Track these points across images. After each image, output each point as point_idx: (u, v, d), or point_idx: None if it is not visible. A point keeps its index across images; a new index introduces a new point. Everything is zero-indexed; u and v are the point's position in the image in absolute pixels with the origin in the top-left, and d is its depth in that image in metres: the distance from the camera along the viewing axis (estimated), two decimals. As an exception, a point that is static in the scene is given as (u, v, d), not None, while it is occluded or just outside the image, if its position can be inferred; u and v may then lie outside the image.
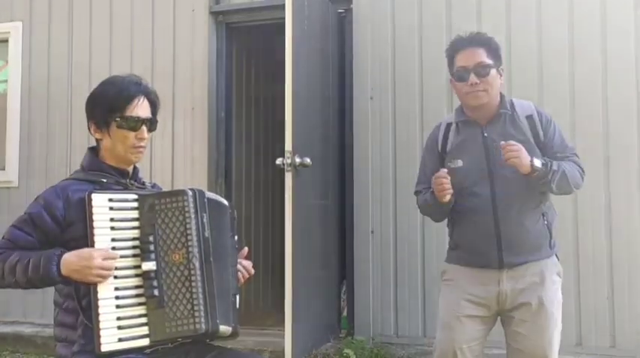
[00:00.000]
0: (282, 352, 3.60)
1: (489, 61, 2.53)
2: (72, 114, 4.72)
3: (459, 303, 2.53)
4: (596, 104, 3.75)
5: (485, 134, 2.54)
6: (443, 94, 3.92)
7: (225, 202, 2.19)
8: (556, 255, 2.60)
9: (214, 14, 4.58)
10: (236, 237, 2.21)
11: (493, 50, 2.56)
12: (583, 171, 2.60)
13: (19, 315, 4.77)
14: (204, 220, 2.00)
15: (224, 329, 1.99)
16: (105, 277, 1.88)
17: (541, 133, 2.56)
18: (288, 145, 3.57)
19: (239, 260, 2.24)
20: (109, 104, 2.06)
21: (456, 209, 2.57)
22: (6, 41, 5.01)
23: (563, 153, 2.57)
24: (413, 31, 4.10)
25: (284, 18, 3.64)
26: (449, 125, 2.66)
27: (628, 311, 3.64)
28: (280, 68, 3.69)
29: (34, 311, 4.70)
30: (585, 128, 3.75)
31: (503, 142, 2.40)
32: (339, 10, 4.38)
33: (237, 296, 2.14)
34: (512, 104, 2.60)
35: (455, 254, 2.64)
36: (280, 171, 3.72)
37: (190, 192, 2.00)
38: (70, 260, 1.88)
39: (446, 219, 2.68)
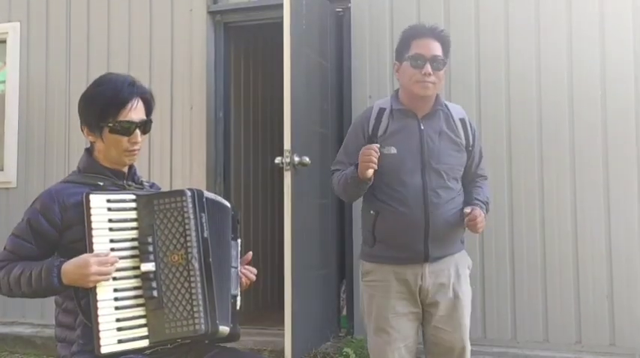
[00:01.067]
0: (282, 351, 3.60)
1: (444, 58, 2.56)
2: (70, 114, 4.72)
3: (390, 304, 2.54)
4: (594, 99, 3.76)
5: (422, 126, 2.56)
6: (440, 92, 3.91)
7: (228, 204, 2.18)
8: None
9: (212, 14, 4.57)
10: (239, 240, 2.20)
11: (446, 49, 2.58)
12: (486, 178, 2.77)
13: (18, 316, 4.76)
14: (203, 220, 1.99)
15: (223, 329, 1.98)
16: (104, 276, 1.87)
17: (470, 139, 2.63)
18: (287, 144, 3.57)
19: (243, 265, 2.23)
20: (101, 108, 2.01)
21: (381, 198, 2.54)
22: (4, 42, 5.00)
23: (480, 169, 2.72)
24: (411, 30, 4.10)
25: (282, 17, 3.64)
26: (382, 110, 2.63)
27: (627, 309, 3.64)
28: (278, 67, 3.69)
29: (33, 311, 4.69)
30: (583, 126, 3.76)
31: (468, 210, 2.47)
32: (337, 9, 4.38)
33: (238, 298, 2.13)
34: (445, 104, 2.65)
35: (376, 251, 2.59)
36: (279, 170, 3.72)
37: (189, 193, 1.99)
38: (68, 269, 1.88)
39: (372, 211, 2.58)
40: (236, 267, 2.16)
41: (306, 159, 3.67)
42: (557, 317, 3.73)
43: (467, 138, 2.61)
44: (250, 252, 2.30)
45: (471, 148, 2.63)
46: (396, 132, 2.56)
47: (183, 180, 4.46)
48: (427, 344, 2.64)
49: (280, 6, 3.68)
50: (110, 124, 2.02)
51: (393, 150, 2.52)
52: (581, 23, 3.80)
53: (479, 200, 2.62)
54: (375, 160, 2.41)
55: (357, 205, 4.11)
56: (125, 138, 2.04)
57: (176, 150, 4.54)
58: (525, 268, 3.80)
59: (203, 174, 4.48)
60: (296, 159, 3.60)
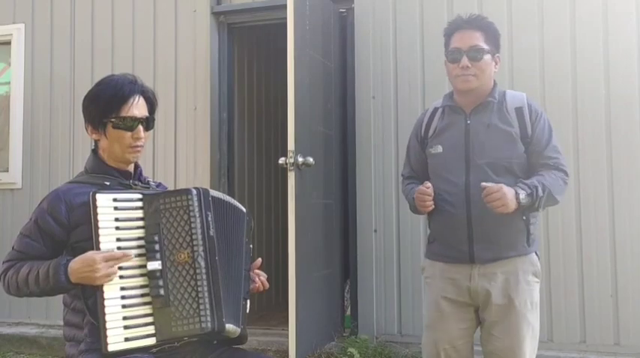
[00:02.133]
0: (286, 351, 3.60)
1: (485, 46, 2.44)
2: (74, 115, 4.74)
3: (438, 302, 2.48)
4: (598, 97, 3.77)
5: (469, 121, 2.46)
6: (444, 90, 3.91)
7: (242, 208, 2.18)
8: (536, 254, 2.48)
9: (216, 15, 4.58)
10: (251, 246, 2.21)
11: (491, 36, 2.48)
12: (566, 173, 2.46)
13: (24, 316, 4.78)
14: (209, 219, 2.00)
15: (230, 327, 1.99)
16: (110, 275, 1.88)
17: (529, 127, 2.44)
18: (291, 145, 3.57)
19: (256, 270, 2.24)
20: (104, 105, 2.05)
21: (433, 198, 2.47)
22: (9, 43, 5.01)
23: (545, 157, 2.44)
24: (415, 30, 4.11)
25: (285, 18, 3.65)
26: (435, 109, 2.59)
27: (632, 309, 3.63)
28: (282, 68, 3.70)
29: (39, 312, 4.71)
30: (587, 122, 3.76)
31: (483, 184, 2.29)
32: (341, 10, 4.38)
33: (248, 301, 2.13)
34: (503, 94, 2.51)
35: (431, 248, 2.58)
36: (283, 171, 3.72)
37: (195, 191, 2.00)
38: (75, 268, 1.89)
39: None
40: (247, 270, 2.16)
41: (310, 160, 3.67)
42: (562, 317, 3.73)
43: (523, 128, 2.43)
44: (259, 259, 2.30)
45: (528, 139, 2.43)
46: (443, 129, 2.52)
47: (188, 181, 4.47)
48: (483, 351, 2.51)
49: (284, 7, 3.69)
50: (113, 119, 2.05)
51: (440, 149, 2.49)
52: (583, 17, 3.80)
53: (523, 182, 2.36)
54: (430, 204, 2.41)
55: (360, 204, 4.14)
56: (128, 134, 2.06)
57: (180, 152, 4.55)
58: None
59: (207, 174, 4.49)
60: (300, 159, 3.60)
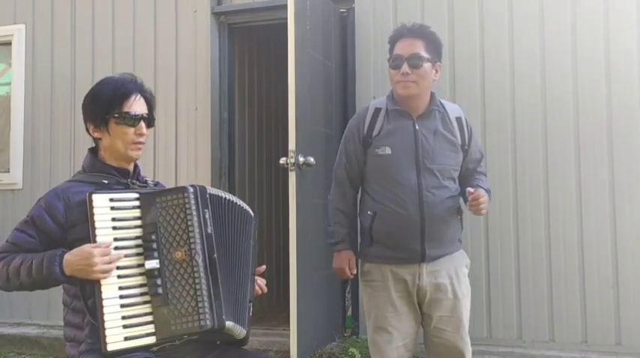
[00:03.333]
0: (288, 351, 3.60)
1: (425, 54, 2.53)
2: (75, 116, 4.74)
3: (389, 303, 2.56)
4: (599, 99, 3.76)
5: (417, 127, 2.56)
6: (445, 92, 3.91)
7: (248, 208, 2.18)
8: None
9: (216, 15, 4.58)
10: (257, 247, 2.20)
11: (432, 45, 2.57)
12: (485, 175, 2.76)
13: (25, 317, 4.78)
14: (207, 216, 2.00)
15: (231, 325, 1.98)
16: (107, 271, 1.88)
17: (467, 137, 2.64)
18: (292, 144, 3.57)
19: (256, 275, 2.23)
20: (106, 102, 2.06)
21: (377, 199, 2.57)
22: (9, 44, 5.02)
23: (477, 164, 2.71)
24: (415, 30, 4.10)
25: (286, 18, 3.64)
26: (378, 110, 2.64)
27: (634, 309, 3.62)
28: (283, 68, 3.69)
29: (40, 312, 4.71)
30: (588, 122, 3.76)
31: (471, 189, 2.48)
32: (341, 10, 4.38)
33: (251, 303, 2.12)
34: (442, 104, 2.64)
35: (374, 251, 2.61)
36: (284, 171, 3.72)
37: (191, 189, 2.00)
38: (71, 259, 1.89)
39: (369, 212, 2.61)
40: (253, 272, 2.16)
41: (311, 160, 3.67)
42: (563, 317, 3.72)
43: (462, 138, 2.62)
44: (264, 266, 2.29)
45: (466, 147, 2.64)
46: (391, 132, 2.58)
47: (189, 181, 4.45)
48: (428, 344, 2.65)
49: (284, 7, 3.68)
50: (116, 115, 2.06)
51: (388, 151, 2.55)
52: (584, 16, 3.80)
53: (481, 186, 2.60)
54: (347, 274, 2.66)
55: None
56: (131, 129, 2.08)
57: (181, 151, 4.55)
58: (531, 267, 3.80)
59: (208, 174, 4.49)
60: (301, 159, 3.60)
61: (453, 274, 2.58)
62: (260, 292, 2.24)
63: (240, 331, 2.03)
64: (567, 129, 3.78)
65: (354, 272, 2.67)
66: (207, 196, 2.03)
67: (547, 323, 3.74)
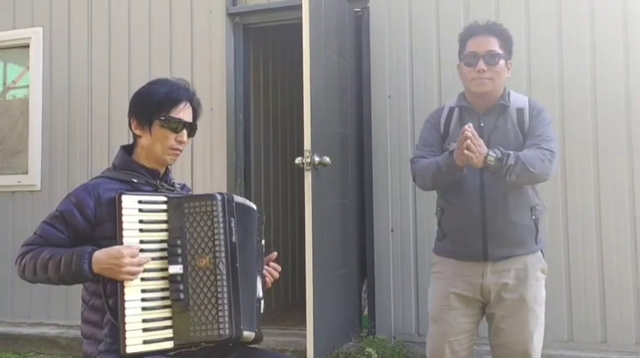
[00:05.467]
0: (304, 351, 3.60)
1: (500, 51, 2.54)
2: (92, 118, 4.76)
3: (446, 297, 2.57)
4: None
5: (482, 124, 2.55)
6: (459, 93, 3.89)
7: (253, 206, 2.19)
8: (541, 251, 2.61)
9: (231, 16, 4.59)
10: (263, 241, 2.21)
11: (505, 42, 2.59)
12: (552, 158, 2.47)
13: (44, 317, 4.83)
14: (232, 225, 2.01)
15: (248, 334, 2.00)
16: (134, 274, 1.89)
17: (527, 123, 2.55)
18: (307, 144, 3.57)
19: (267, 263, 2.24)
20: (156, 103, 2.09)
21: (444, 196, 2.61)
22: (27, 46, 5.06)
23: (534, 140, 2.50)
24: (430, 29, 4.08)
25: (301, 18, 3.64)
26: (452, 109, 2.67)
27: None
28: (298, 68, 3.69)
29: (58, 312, 4.75)
30: (606, 125, 3.72)
31: (466, 127, 2.33)
32: (356, 9, 4.37)
33: (262, 301, 2.14)
34: (508, 96, 2.61)
35: (442, 245, 2.66)
36: (300, 171, 3.72)
37: (219, 197, 2.01)
38: (100, 258, 1.91)
39: (439, 208, 2.66)
40: (260, 270, 2.17)
41: (327, 159, 3.67)
42: (582, 316, 3.69)
43: (521, 124, 2.56)
44: (275, 252, 2.31)
45: (526, 131, 2.55)
46: (459, 129, 2.54)
47: (204, 182, 4.49)
48: (491, 345, 2.63)
49: (299, 7, 3.68)
50: (162, 118, 2.09)
51: (454, 146, 2.50)
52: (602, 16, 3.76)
53: (498, 148, 2.40)
54: (481, 148, 2.35)
55: (377, 204, 4.13)
56: (173, 135, 2.11)
57: (197, 152, 4.56)
58: (549, 266, 3.74)
59: (224, 175, 4.50)
60: (316, 159, 3.60)
61: (522, 275, 2.52)
62: (272, 280, 2.24)
63: (250, 336, 2.04)
64: (586, 133, 3.74)
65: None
66: (234, 205, 2.04)
67: (566, 323, 3.71)
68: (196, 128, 2.20)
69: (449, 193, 2.58)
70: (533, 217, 2.54)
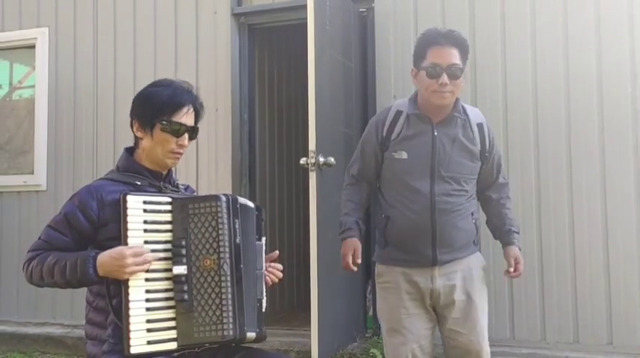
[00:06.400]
0: (309, 352, 3.60)
1: (461, 65, 2.51)
2: (98, 118, 4.78)
3: (401, 305, 2.56)
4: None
5: (436, 133, 2.53)
6: (466, 94, 3.88)
7: (252, 204, 2.18)
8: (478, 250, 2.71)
9: (236, 16, 4.59)
10: (264, 239, 2.20)
11: (465, 52, 2.53)
12: (508, 184, 2.78)
13: (49, 317, 4.84)
14: (237, 226, 2.01)
15: (251, 335, 2.00)
16: (139, 270, 1.89)
17: (487, 146, 2.60)
18: (312, 145, 3.57)
19: (268, 263, 2.24)
20: (158, 106, 2.08)
21: (390, 203, 2.58)
22: (33, 47, 5.08)
23: (498, 171, 2.69)
24: (436, 29, 4.07)
25: (306, 18, 3.64)
26: (399, 113, 2.61)
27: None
28: (303, 68, 3.69)
29: (64, 312, 4.77)
30: (613, 130, 3.70)
31: (511, 270, 2.62)
32: (361, 9, 4.36)
33: (264, 301, 2.14)
34: (464, 109, 2.60)
35: (385, 253, 2.63)
36: (304, 171, 3.72)
37: (224, 198, 2.00)
38: (104, 261, 1.91)
39: (383, 215, 2.62)
40: (261, 269, 2.16)
41: (331, 160, 3.67)
42: (588, 318, 3.67)
43: (483, 144, 2.59)
44: (277, 251, 2.31)
45: (487, 154, 2.61)
46: (409, 137, 2.56)
47: (209, 182, 4.50)
48: (445, 347, 2.65)
49: (304, 7, 3.68)
50: (164, 122, 2.08)
51: (404, 155, 2.54)
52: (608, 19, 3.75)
53: (513, 231, 2.68)
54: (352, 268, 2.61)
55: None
56: (174, 139, 2.10)
57: (202, 152, 4.57)
58: (555, 267, 3.75)
59: (228, 175, 4.50)
60: (321, 159, 3.60)
61: (467, 275, 2.57)
62: (270, 283, 2.23)
63: (253, 336, 2.04)
64: (592, 138, 3.72)
65: (359, 261, 2.61)
66: (238, 206, 2.04)
67: (571, 324, 3.70)
68: (198, 131, 2.19)
69: (396, 200, 2.55)
70: (474, 221, 2.59)
